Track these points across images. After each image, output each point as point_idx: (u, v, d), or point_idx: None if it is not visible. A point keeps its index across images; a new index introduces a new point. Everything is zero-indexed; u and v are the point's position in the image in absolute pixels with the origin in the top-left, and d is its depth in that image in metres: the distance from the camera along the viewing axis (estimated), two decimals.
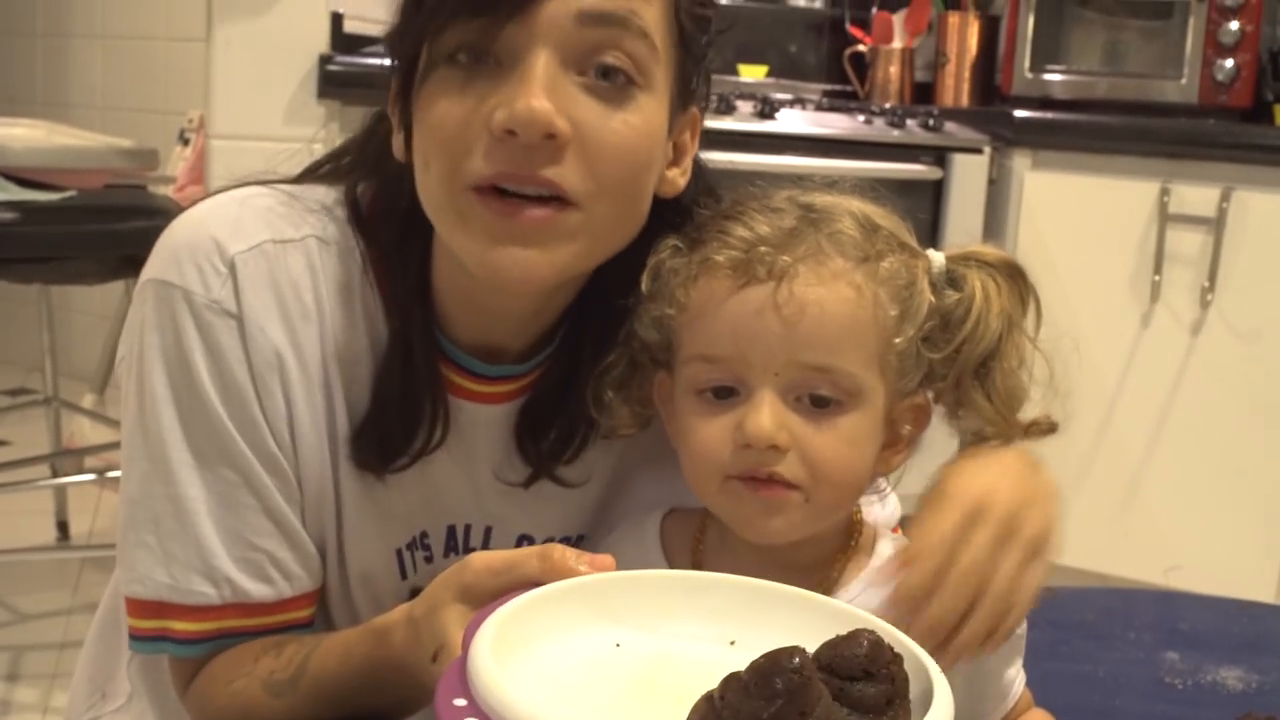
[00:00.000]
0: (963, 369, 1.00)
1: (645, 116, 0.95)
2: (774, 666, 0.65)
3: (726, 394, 0.95)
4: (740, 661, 0.68)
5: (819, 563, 1.00)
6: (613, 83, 0.93)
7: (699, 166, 1.06)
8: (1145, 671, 1.15)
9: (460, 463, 1.06)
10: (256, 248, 0.99)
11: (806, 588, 0.93)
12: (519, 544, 1.11)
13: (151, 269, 1.00)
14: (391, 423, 1.02)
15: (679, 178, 1.03)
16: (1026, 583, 0.91)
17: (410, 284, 1.02)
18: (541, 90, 0.89)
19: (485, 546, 1.10)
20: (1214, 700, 1.09)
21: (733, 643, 0.79)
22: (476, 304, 1.02)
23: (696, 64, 1.00)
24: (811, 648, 0.69)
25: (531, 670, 0.73)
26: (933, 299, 0.99)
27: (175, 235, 1.01)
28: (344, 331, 1.02)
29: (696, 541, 1.04)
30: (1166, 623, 1.26)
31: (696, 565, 1.02)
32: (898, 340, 0.96)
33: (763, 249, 0.94)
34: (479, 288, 1.00)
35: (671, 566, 1.02)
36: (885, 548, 1.00)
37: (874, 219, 0.99)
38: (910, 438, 1.01)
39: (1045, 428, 1.02)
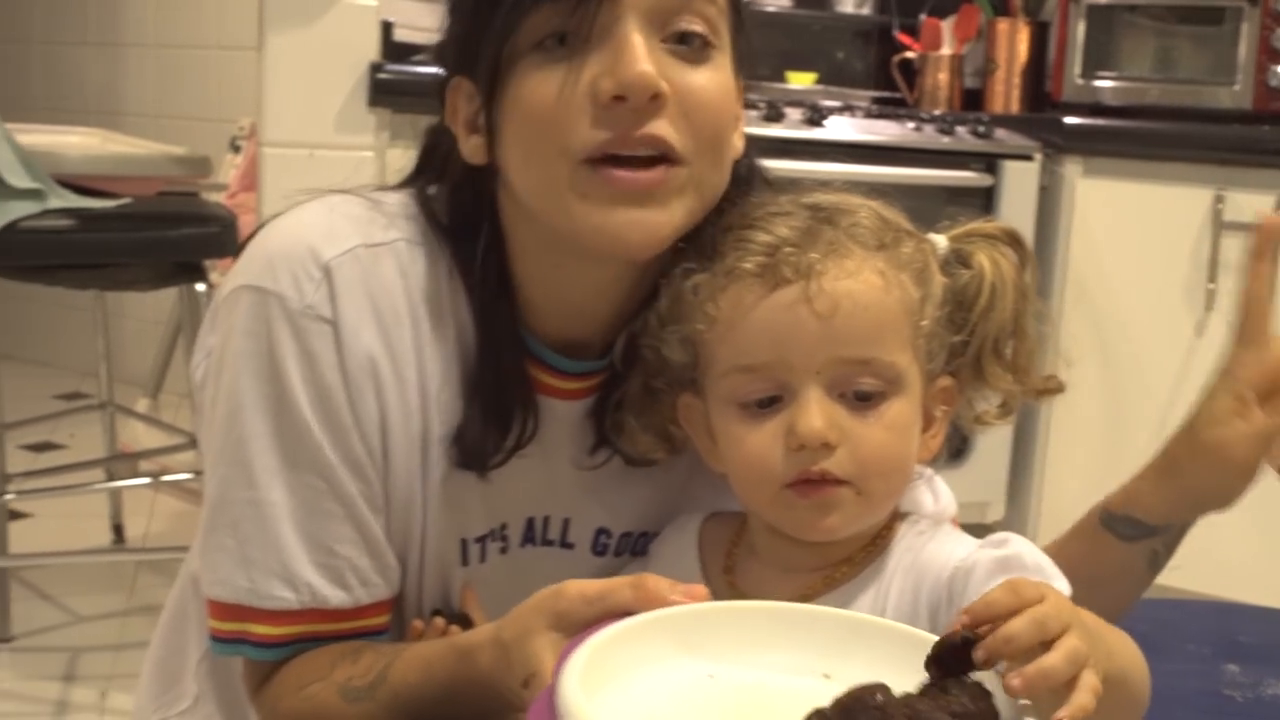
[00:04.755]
0: (982, 344, 1.02)
1: (723, 74, 0.99)
2: (857, 704, 0.67)
3: (769, 402, 0.96)
4: (835, 694, 0.68)
5: (842, 560, 1.00)
6: (691, 45, 0.96)
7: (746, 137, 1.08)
8: (1203, 684, 1.14)
9: (542, 456, 1.07)
10: (349, 252, 1.00)
11: (820, 585, 0.98)
12: (596, 537, 1.13)
13: (243, 275, 1.01)
14: (487, 425, 1.04)
15: (738, 140, 1.05)
16: None
17: (492, 286, 1.03)
18: (640, 52, 0.93)
19: (563, 537, 1.12)
20: (1276, 714, 1.08)
21: (827, 676, 0.79)
22: (562, 297, 1.04)
23: (745, 33, 1.03)
24: (905, 680, 0.70)
25: (623, 700, 0.73)
26: (945, 280, 1.01)
27: (268, 242, 1.02)
28: (435, 332, 1.03)
29: (731, 545, 1.05)
30: (1225, 634, 1.25)
31: (728, 570, 1.04)
32: (924, 323, 0.98)
33: (786, 250, 0.96)
34: (566, 278, 1.02)
35: (705, 570, 1.04)
36: (904, 541, 1.00)
37: (879, 210, 1.01)
38: (943, 420, 1.03)
39: (1055, 387, 1.05)
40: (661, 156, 0.95)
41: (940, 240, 1.04)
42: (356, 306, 1.00)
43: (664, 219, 0.97)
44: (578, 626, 0.84)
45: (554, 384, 1.07)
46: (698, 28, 0.96)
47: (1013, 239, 1.05)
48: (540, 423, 1.06)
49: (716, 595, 1.01)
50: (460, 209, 1.04)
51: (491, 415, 1.04)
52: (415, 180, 1.09)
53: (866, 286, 0.95)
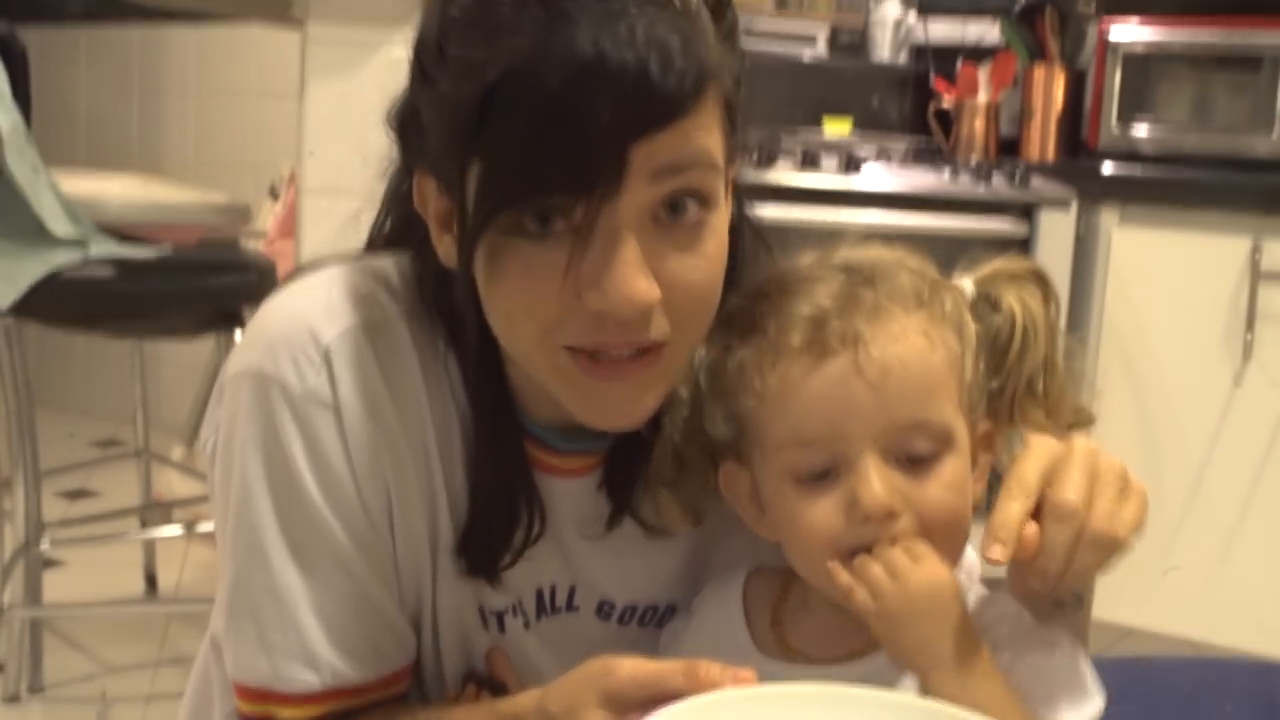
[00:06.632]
0: (1016, 385, 1.00)
1: (718, 234, 0.94)
2: None
3: (824, 474, 0.95)
4: None
5: None
6: (685, 218, 0.91)
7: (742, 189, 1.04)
8: None
9: (549, 533, 1.06)
10: (348, 333, 0.99)
11: (876, 642, 0.96)
12: (600, 609, 1.11)
13: (245, 359, 1.00)
14: (492, 523, 1.03)
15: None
16: (1125, 516, 0.90)
17: (485, 378, 1.01)
18: (634, 271, 0.88)
19: (570, 604, 1.10)
20: None
21: None
22: (549, 393, 1.01)
23: (741, 122, 0.97)
24: None
25: None
26: (977, 327, 1.00)
27: (268, 324, 1.01)
28: (436, 406, 1.02)
29: (779, 600, 1.04)
30: (1265, 695, 1.23)
31: (776, 624, 1.02)
32: (968, 375, 0.97)
33: (830, 319, 0.94)
34: None
35: (751, 627, 1.03)
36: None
37: (911, 264, 1.00)
38: (984, 465, 1.01)
39: (1085, 419, 1.03)
40: (649, 347, 0.93)
41: (967, 285, 1.02)
42: (358, 389, 0.99)
43: (649, 403, 0.96)
44: (627, 707, 0.85)
45: (555, 463, 1.05)
46: (693, 211, 0.91)
47: (1037, 277, 1.03)
48: (545, 504, 1.05)
49: (765, 650, 1.01)
50: (450, 294, 1.00)
51: (495, 517, 1.02)
52: (403, 244, 1.06)
53: (913, 349, 0.94)
